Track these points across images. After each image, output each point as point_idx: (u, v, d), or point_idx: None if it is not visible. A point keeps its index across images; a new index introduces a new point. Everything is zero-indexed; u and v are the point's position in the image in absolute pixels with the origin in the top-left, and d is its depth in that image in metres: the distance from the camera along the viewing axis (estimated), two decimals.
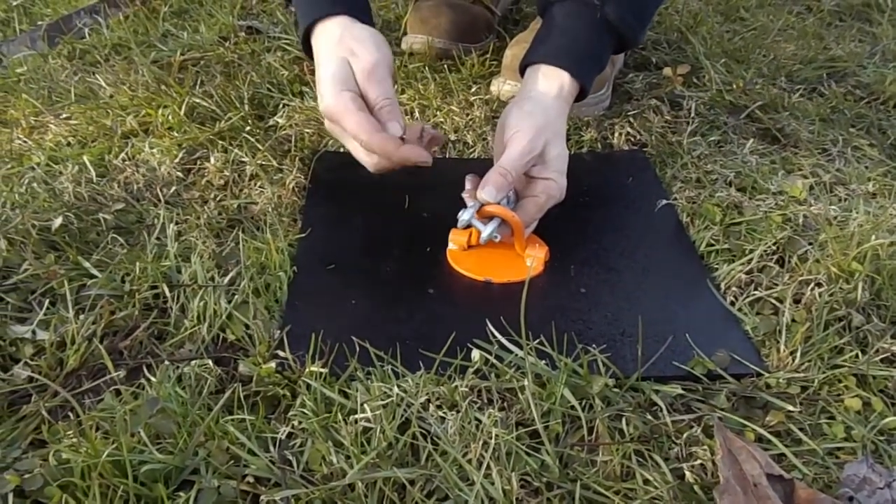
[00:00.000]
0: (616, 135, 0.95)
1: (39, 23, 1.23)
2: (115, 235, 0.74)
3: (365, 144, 0.69)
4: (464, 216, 0.70)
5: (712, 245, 0.75)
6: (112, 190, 0.81)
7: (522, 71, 0.79)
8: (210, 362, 0.60)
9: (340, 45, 0.72)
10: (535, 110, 0.72)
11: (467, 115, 0.98)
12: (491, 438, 0.53)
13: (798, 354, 0.61)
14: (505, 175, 0.68)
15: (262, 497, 0.50)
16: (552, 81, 0.75)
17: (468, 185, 0.72)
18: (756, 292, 0.69)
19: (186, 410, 0.55)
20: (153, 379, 0.58)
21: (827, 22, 1.32)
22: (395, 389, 0.56)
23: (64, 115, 0.96)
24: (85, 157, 0.85)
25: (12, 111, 0.96)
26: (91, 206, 0.78)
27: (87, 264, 0.69)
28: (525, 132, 0.70)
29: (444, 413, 0.55)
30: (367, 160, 0.72)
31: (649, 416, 0.57)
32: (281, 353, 0.60)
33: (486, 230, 0.70)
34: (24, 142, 0.90)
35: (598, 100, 1.00)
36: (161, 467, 0.50)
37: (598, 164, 0.91)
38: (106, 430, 0.54)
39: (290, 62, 1.09)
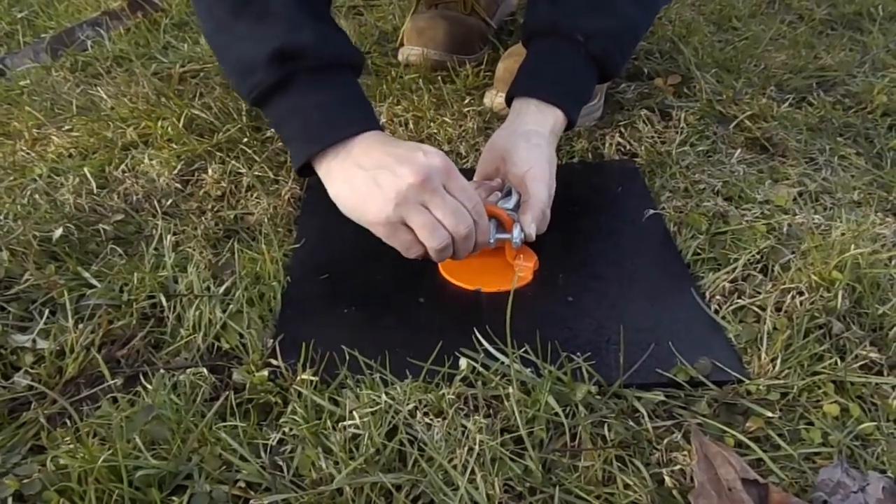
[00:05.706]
0: (607, 144, 0.97)
1: (43, 35, 1.26)
2: (114, 246, 0.76)
3: (461, 212, 0.66)
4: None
5: (698, 254, 0.77)
6: (112, 201, 0.83)
7: (510, 101, 0.82)
8: (205, 370, 0.62)
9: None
10: (542, 143, 0.76)
11: (460, 126, 1.00)
12: (476, 445, 0.54)
13: (778, 361, 0.63)
14: (544, 211, 0.73)
15: (252, 501, 0.52)
16: (547, 117, 0.79)
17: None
18: (739, 300, 0.70)
19: (181, 417, 0.56)
20: (149, 387, 0.60)
21: (818, 31, 1.34)
22: (384, 397, 0.58)
23: (66, 127, 0.98)
24: (86, 169, 0.87)
25: (16, 123, 0.98)
26: (91, 217, 0.80)
27: (86, 274, 0.71)
28: (541, 167, 0.74)
29: (430, 420, 0.57)
30: (435, 243, 0.65)
31: (631, 423, 0.58)
32: (273, 362, 0.62)
33: (515, 235, 0.72)
34: (27, 154, 0.92)
35: (590, 110, 1.01)
36: (155, 472, 0.52)
37: (588, 174, 0.93)
38: (103, 437, 0.56)
39: None
